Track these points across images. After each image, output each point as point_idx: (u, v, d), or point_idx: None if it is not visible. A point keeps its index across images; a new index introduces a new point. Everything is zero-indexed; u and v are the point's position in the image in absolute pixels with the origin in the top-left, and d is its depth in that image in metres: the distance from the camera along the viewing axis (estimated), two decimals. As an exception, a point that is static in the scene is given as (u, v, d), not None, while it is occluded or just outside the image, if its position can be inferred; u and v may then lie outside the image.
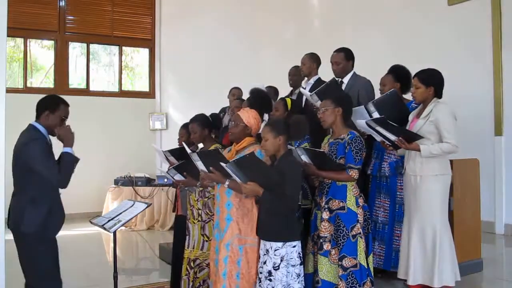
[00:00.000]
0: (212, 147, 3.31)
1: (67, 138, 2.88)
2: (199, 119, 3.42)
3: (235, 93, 5.17)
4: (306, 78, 4.47)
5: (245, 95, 4.25)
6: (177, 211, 3.94)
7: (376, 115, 3.38)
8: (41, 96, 2.95)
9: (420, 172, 3.30)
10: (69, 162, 2.83)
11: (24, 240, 2.78)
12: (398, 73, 3.78)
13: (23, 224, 2.74)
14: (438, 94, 3.35)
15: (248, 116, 2.95)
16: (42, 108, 2.88)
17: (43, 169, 2.75)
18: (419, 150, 3.22)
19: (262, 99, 3.29)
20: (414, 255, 3.30)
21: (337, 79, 4.11)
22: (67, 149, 2.86)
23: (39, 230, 2.77)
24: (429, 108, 3.30)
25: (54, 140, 2.93)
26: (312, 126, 2.96)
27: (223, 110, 5.13)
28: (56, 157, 2.88)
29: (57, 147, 2.93)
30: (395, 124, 3.15)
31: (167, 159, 3.84)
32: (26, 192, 2.79)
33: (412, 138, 3.23)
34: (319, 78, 4.36)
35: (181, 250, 3.49)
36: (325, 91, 3.57)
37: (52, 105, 2.88)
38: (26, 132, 2.85)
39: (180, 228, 3.76)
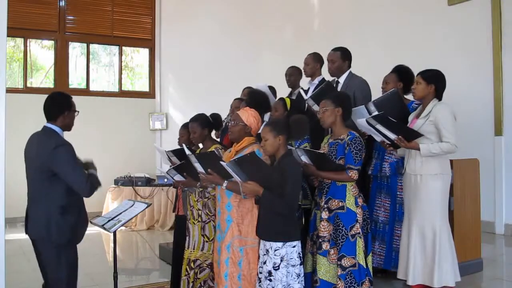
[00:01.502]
0: (212, 148, 3.30)
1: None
2: (199, 119, 3.40)
3: (246, 93, 5.10)
4: (310, 79, 4.43)
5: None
6: (177, 211, 3.94)
7: None
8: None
9: (420, 172, 3.30)
10: (93, 175, 2.84)
11: (52, 249, 2.73)
12: (402, 73, 3.79)
13: (54, 234, 2.69)
14: (439, 94, 3.35)
15: (247, 115, 2.94)
16: (62, 108, 2.82)
17: (71, 177, 2.69)
18: (418, 149, 3.22)
19: (258, 100, 3.28)
20: (414, 255, 3.30)
21: (332, 79, 4.10)
22: (91, 171, 2.88)
23: (70, 239, 2.76)
24: (429, 108, 3.30)
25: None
26: (312, 126, 2.96)
27: None
28: None
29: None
30: (395, 121, 3.16)
31: (170, 160, 3.83)
32: (53, 200, 2.71)
33: (412, 136, 3.22)
34: (324, 79, 4.31)
35: (181, 250, 3.49)
36: (320, 95, 3.56)
37: (69, 103, 2.87)
38: (47, 136, 2.77)
39: (180, 228, 3.76)
